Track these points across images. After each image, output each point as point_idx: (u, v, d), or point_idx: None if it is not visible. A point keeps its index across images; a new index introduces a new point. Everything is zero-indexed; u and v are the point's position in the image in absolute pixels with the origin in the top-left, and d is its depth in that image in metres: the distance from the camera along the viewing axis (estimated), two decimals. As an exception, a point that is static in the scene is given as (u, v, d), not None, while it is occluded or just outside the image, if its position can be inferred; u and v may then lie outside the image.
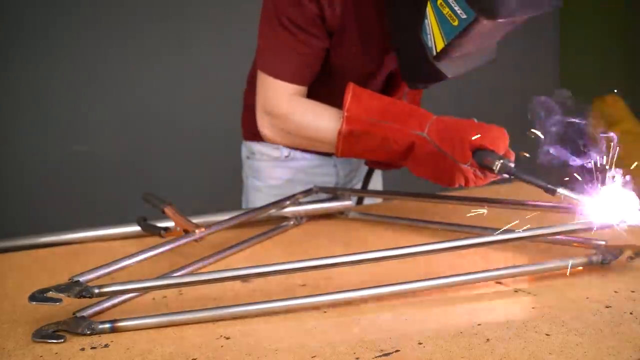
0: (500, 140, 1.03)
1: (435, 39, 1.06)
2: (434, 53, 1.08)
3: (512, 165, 1.01)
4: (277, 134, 1.24)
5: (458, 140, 1.04)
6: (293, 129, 1.21)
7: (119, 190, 2.56)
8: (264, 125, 1.25)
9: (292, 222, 1.27)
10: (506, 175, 1.02)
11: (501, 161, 1.01)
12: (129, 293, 0.84)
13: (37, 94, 2.59)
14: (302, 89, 1.22)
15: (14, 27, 2.51)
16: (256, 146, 1.46)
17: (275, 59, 1.20)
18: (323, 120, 1.18)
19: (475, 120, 1.07)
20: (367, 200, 1.48)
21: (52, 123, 2.63)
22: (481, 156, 1.02)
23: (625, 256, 0.93)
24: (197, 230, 1.05)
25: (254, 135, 1.47)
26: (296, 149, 1.42)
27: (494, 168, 1.01)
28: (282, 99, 1.20)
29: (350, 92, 1.13)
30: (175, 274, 0.96)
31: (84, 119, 2.69)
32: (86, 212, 2.45)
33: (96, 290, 0.80)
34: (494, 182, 1.10)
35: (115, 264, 0.90)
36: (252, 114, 1.45)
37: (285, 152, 1.44)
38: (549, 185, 0.96)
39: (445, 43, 1.05)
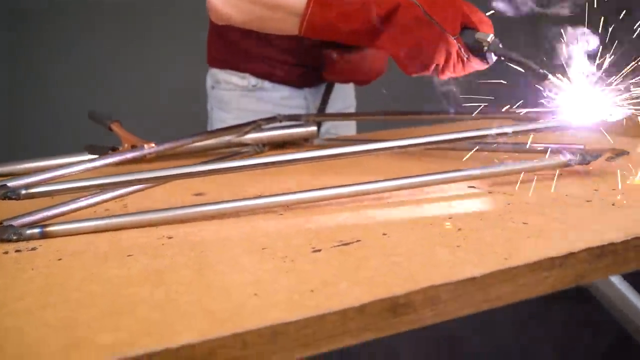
0: (488, 25, 0.95)
1: None
2: None
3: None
4: (228, 1, 1.04)
5: (450, 8, 0.94)
6: None
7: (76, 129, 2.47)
8: None
9: (252, 150, 1.19)
10: (493, 58, 0.93)
11: (494, 38, 0.92)
12: (62, 194, 0.75)
13: None
14: None
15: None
16: (222, 74, 1.37)
17: None
18: None
19: None
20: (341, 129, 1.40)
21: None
22: (471, 34, 0.93)
23: (605, 157, 0.87)
24: (146, 146, 0.96)
25: (220, 61, 1.38)
26: (249, 41, 1.30)
27: (486, 43, 0.92)
28: None
29: None
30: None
31: (43, 59, 2.58)
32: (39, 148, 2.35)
33: (23, 191, 0.72)
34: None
35: (50, 172, 0.80)
36: (219, 36, 1.35)
37: (253, 81, 1.35)
38: (540, 70, 0.88)
39: None
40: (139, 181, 0.75)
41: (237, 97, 1.36)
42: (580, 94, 0.85)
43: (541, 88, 0.88)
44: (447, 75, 0.97)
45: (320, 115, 1.32)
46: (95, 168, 0.87)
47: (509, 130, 0.81)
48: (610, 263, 0.61)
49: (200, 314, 0.48)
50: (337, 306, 0.48)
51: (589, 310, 1.50)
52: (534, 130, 0.83)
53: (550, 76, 0.86)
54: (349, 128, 1.50)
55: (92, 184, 0.74)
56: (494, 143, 0.93)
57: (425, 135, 0.80)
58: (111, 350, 0.43)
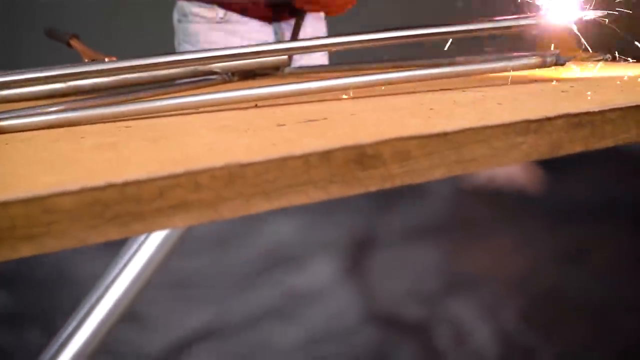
0: None
1: None
2: None
3: None
4: None
5: None
6: None
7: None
8: None
9: (220, 78, 1.15)
10: None
11: None
12: (15, 86, 0.71)
13: None
14: None
15: None
16: (189, 7, 1.33)
17: None
18: None
19: None
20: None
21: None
22: None
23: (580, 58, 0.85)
24: (107, 59, 0.92)
25: None
26: None
27: None
28: None
29: None
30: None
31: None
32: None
33: (-30, 84, 0.67)
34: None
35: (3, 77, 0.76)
36: None
37: (221, 12, 1.31)
38: None
39: None
40: (103, 72, 0.71)
41: (204, 30, 1.32)
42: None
43: None
44: None
45: (292, 41, 1.28)
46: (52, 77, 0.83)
47: (488, 25, 0.78)
48: (587, 135, 0.58)
49: (151, 161, 0.45)
50: (299, 151, 0.45)
51: None
52: (511, 27, 0.80)
53: None
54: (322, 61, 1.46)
55: (53, 74, 0.70)
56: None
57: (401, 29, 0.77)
58: (51, 187, 0.39)
